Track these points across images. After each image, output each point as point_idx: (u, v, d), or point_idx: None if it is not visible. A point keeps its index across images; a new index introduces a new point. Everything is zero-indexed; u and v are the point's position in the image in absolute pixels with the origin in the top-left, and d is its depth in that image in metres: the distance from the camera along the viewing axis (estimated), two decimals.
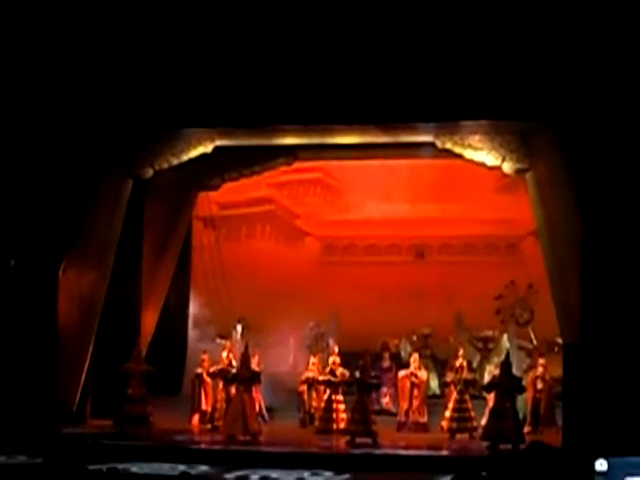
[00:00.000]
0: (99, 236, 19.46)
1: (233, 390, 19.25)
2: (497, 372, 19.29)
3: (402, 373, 20.61)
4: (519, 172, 18.42)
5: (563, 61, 16.49)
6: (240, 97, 17.67)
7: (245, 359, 18.88)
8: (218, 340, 22.95)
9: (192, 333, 23.94)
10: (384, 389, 21.92)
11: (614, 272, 16.06)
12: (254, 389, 19.81)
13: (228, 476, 15.15)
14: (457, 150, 18.42)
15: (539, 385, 20.02)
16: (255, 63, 17.56)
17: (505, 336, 22.20)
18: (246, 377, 18.65)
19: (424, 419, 20.21)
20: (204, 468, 15.67)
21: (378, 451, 17.40)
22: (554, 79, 16.57)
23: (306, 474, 15.21)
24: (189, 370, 21.70)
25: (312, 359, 21.07)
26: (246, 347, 19.08)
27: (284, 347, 21.06)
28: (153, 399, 19.28)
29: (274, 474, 15.15)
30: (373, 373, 19.82)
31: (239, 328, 23.24)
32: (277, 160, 21.97)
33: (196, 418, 21.05)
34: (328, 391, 19.74)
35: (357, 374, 18.63)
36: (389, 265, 25.13)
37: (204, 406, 20.97)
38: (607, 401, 15.72)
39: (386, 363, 22.25)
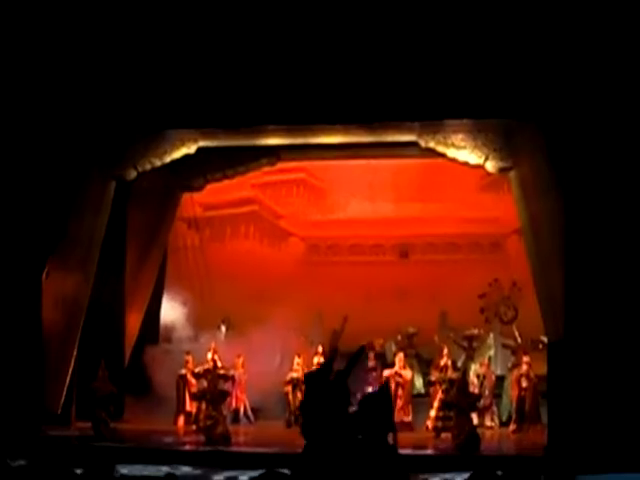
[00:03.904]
0: (82, 238, 19.41)
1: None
2: (481, 370, 19.38)
3: (387, 373, 20.64)
4: (502, 171, 18.45)
5: (546, 60, 16.51)
6: (223, 98, 17.64)
7: (214, 377, 19.05)
8: (223, 328, 23.07)
9: (174, 334, 23.86)
10: (369, 389, 21.92)
11: (598, 270, 16.09)
12: (239, 390, 19.84)
13: (216, 477, 15.14)
14: (440, 149, 18.43)
15: (524, 383, 20.08)
16: (238, 64, 17.54)
17: (491, 335, 22.26)
18: (216, 395, 18.73)
19: (409, 418, 20.27)
20: (188, 469, 15.64)
21: None
22: (537, 78, 16.60)
23: None
24: (165, 370, 21.61)
25: (297, 359, 21.07)
26: (214, 365, 19.33)
27: (268, 347, 21.02)
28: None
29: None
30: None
31: (223, 328, 23.23)
32: (260, 161, 21.98)
33: (181, 419, 21.06)
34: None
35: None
36: (373, 265, 25.14)
37: (188, 407, 20.98)
38: (592, 398, 15.75)
39: (371, 363, 22.24)
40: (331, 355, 13.16)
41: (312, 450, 9.21)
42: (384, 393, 9.02)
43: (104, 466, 8.62)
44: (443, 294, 23.05)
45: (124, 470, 15.12)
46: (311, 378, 11.23)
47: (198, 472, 15.61)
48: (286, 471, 7.68)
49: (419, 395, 21.75)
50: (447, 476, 15.27)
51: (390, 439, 8.40)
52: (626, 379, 15.73)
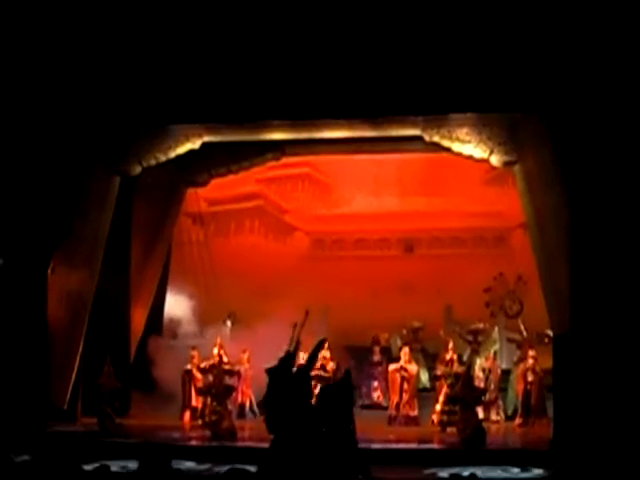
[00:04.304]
0: (87, 234, 19.41)
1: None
2: (486, 364, 19.37)
3: (392, 367, 20.64)
4: (507, 164, 18.42)
5: (550, 53, 16.48)
6: (227, 93, 17.62)
7: (220, 373, 19.07)
8: (228, 323, 23.08)
9: (180, 330, 23.87)
10: (375, 383, 21.97)
11: (603, 263, 16.08)
12: (244, 385, 19.86)
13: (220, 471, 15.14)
14: (445, 143, 18.41)
15: (530, 377, 20.08)
16: (242, 59, 17.51)
17: (497, 329, 22.25)
18: (221, 390, 18.75)
19: (415, 413, 20.26)
20: (193, 464, 15.64)
21: (369, 445, 17.40)
22: (542, 71, 16.56)
23: None
24: (170, 366, 21.62)
25: (302, 354, 21.05)
26: (220, 360, 19.32)
27: (274, 342, 20.99)
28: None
29: None
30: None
31: (229, 323, 23.24)
32: (265, 155, 21.96)
33: (187, 415, 21.08)
34: (319, 386, 19.72)
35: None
36: (378, 259, 25.14)
37: (194, 402, 21.00)
38: (598, 392, 15.74)
39: (376, 357, 22.27)
40: (294, 349, 13.22)
41: (278, 444, 9.23)
42: (346, 384, 9.05)
43: (160, 460, 8.61)
44: (448, 288, 23.02)
45: (132, 465, 15.19)
46: (273, 372, 11.26)
47: (204, 467, 15.61)
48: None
49: (425, 389, 21.73)
50: (453, 470, 15.26)
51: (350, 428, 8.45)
52: (632, 372, 15.72)
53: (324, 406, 8.42)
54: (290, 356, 11.57)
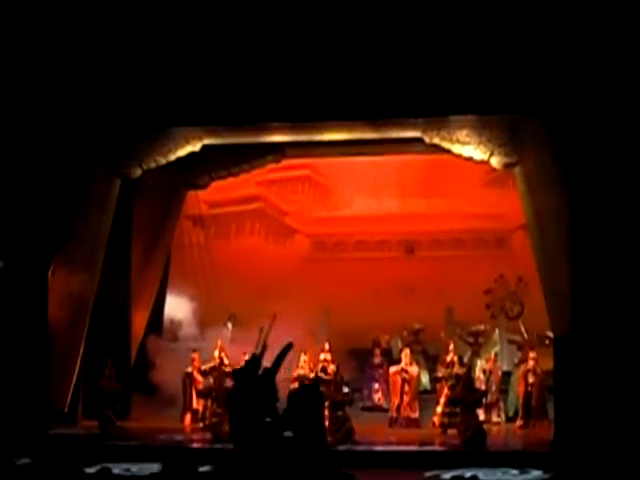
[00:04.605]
0: (88, 236, 19.42)
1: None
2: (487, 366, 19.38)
3: (393, 369, 20.64)
4: (507, 166, 18.43)
5: (550, 55, 16.49)
6: (227, 95, 17.63)
7: (220, 375, 19.08)
8: (229, 325, 23.09)
9: (180, 332, 23.87)
10: (375, 385, 21.96)
11: (604, 265, 16.08)
12: None
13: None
14: (445, 145, 18.41)
15: (530, 379, 20.06)
16: (242, 61, 17.52)
17: (497, 331, 22.26)
18: (221, 392, 18.76)
19: (416, 415, 20.25)
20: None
21: (371, 447, 17.41)
22: (541, 73, 16.57)
23: None
24: (171, 368, 21.61)
25: (303, 356, 21.06)
26: (221, 363, 19.33)
27: (275, 344, 20.98)
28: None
29: None
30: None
31: (229, 326, 23.24)
32: (265, 158, 21.97)
33: (188, 417, 21.07)
34: (320, 388, 19.71)
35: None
36: (379, 261, 25.13)
37: (195, 405, 20.99)
38: (598, 393, 15.74)
39: (377, 359, 22.26)
40: (260, 352, 13.24)
41: (240, 448, 9.23)
42: (314, 389, 9.06)
43: (186, 464, 8.60)
44: (449, 290, 23.02)
45: (134, 468, 15.21)
46: (238, 375, 11.29)
47: (205, 469, 15.58)
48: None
49: (425, 391, 21.72)
50: (455, 472, 15.26)
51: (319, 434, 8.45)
52: (632, 374, 15.72)
53: (291, 410, 8.43)
54: (256, 359, 11.59)
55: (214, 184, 22.91)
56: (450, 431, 18.84)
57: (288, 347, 11.47)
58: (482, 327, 22.10)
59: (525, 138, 17.81)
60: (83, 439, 18.12)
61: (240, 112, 17.75)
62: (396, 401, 20.29)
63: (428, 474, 15.31)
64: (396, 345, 22.89)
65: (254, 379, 10.53)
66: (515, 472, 15.41)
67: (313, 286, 23.15)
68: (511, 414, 20.91)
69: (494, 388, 20.80)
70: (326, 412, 18.87)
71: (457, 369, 19.78)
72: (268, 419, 9.47)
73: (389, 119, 18.10)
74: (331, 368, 19.64)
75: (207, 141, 19.22)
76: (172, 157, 19.27)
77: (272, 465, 8.28)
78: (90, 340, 19.85)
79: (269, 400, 10.03)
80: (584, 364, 16.02)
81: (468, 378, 18.73)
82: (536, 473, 15.34)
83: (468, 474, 14.68)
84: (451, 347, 20.57)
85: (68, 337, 19.32)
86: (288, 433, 8.42)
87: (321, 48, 17.16)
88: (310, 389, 8.86)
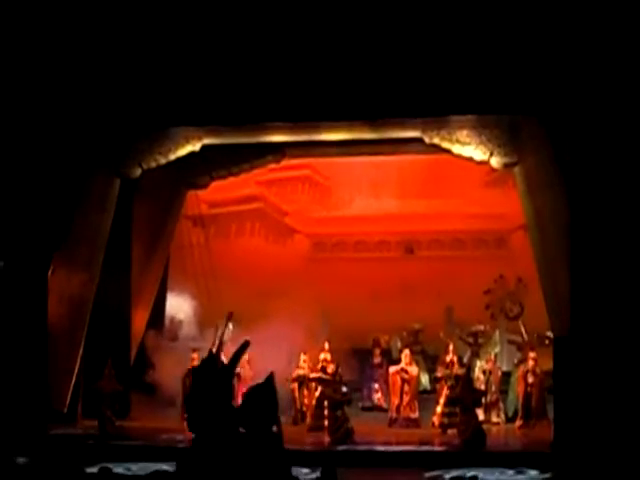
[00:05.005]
0: (88, 236, 19.42)
1: None
2: (487, 366, 19.36)
3: (393, 369, 20.63)
4: (507, 166, 18.43)
5: (550, 55, 16.50)
6: (227, 95, 17.65)
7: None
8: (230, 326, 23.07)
9: (180, 332, 23.87)
10: (375, 385, 21.97)
11: (603, 265, 16.09)
12: (244, 387, 19.78)
13: None
14: (445, 145, 18.42)
15: (530, 379, 20.06)
16: (241, 61, 17.54)
17: (497, 331, 22.26)
18: None
19: (415, 415, 20.24)
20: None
21: (370, 447, 17.42)
22: (541, 73, 16.58)
23: (305, 470, 15.18)
24: (171, 368, 21.61)
25: (303, 356, 21.07)
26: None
27: (275, 345, 21.00)
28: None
29: None
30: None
31: (230, 326, 23.21)
32: (265, 158, 21.98)
33: None
34: (319, 388, 19.74)
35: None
36: (378, 261, 25.12)
37: None
38: (598, 394, 15.75)
39: (377, 359, 22.26)
40: (217, 349, 13.27)
41: (198, 444, 9.25)
42: (269, 386, 9.10)
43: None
44: (448, 290, 23.03)
45: (135, 467, 15.21)
46: (196, 372, 11.34)
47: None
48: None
49: (425, 391, 21.72)
50: (455, 472, 15.28)
51: (275, 431, 8.49)
52: (632, 374, 15.72)
53: (246, 407, 8.50)
54: (212, 357, 11.63)
55: (214, 184, 22.91)
56: (450, 431, 18.84)
57: (245, 345, 11.53)
58: (482, 327, 22.08)
59: (525, 138, 17.82)
60: (83, 439, 18.11)
61: (240, 112, 17.76)
62: (396, 401, 20.28)
63: (428, 474, 15.31)
64: (396, 345, 22.89)
65: (211, 377, 10.56)
66: (514, 472, 15.42)
67: (313, 286, 23.14)
68: (511, 414, 20.90)
69: (494, 388, 20.79)
70: (325, 412, 18.93)
71: (457, 369, 19.78)
72: (225, 416, 9.52)
73: (389, 119, 18.11)
74: (331, 368, 19.63)
75: (207, 141, 19.23)
76: (172, 157, 19.28)
77: (228, 461, 8.34)
78: (90, 340, 19.85)
79: (225, 397, 10.08)
80: (584, 364, 16.02)
81: (467, 378, 18.74)
82: (535, 473, 15.35)
83: (468, 474, 14.76)
84: (451, 347, 20.56)
85: (68, 337, 19.33)
86: (244, 429, 8.51)
87: (321, 48, 17.17)
88: (264, 387, 8.94)
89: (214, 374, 10.54)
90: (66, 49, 17.85)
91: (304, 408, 20.72)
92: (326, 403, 19.10)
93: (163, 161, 19.33)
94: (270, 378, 10.32)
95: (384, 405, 21.55)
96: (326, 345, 20.96)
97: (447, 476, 15.20)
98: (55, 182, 18.50)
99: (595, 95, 16.20)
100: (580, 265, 16.27)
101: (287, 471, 8.24)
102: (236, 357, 11.06)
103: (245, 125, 18.54)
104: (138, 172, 19.48)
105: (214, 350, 13.16)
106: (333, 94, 17.29)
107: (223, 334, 14.09)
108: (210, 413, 9.57)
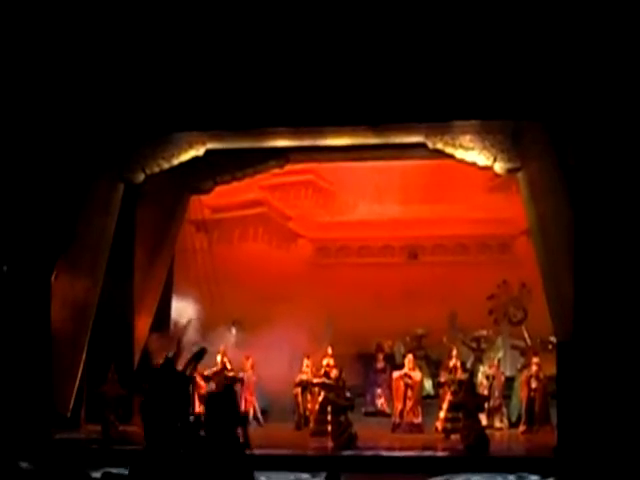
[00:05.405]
0: (91, 241, 19.44)
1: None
2: (490, 371, 19.35)
3: (396, 374, 20.63)
4: (511, 171, 18.44)
5: (553, 60, 16.49)
6: (231, 100, 17.65)
7: (223, 380, 19.17)
8: (233, 330, 23.08)
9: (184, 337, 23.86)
10: (378, 390, 21.97)
11: (607, 270, 16.07)
12: (248, 392, 19.86)
13: None
14: (448, 150, 18.43)
15: (533, 384, 20.06)
16: (245, 66, 17.54)
17: (500, 336, 22.26)
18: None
19: (419, 420, 20.24)
20: None
21: (373, 452, 17.41)
22: (545, 78, 16.58)
23: (305, 476, 15.19)
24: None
25: (306, 361, 21.07)
26: (223, 368, 19.41)
27: (278, 349, 21.01)
28: None
29: (272, 476, 15.11)
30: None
31: (233, 331, 23.23)
32: (269, 163, 21.97)
33: None
34: (322, 393, 19.74)
35: None
36: (382, 266, 25.10)
37: (198, 409, 20.98)
38: (601, 399, 15.72)
39: (380, 364, 22.27)
40: (173, 355, 13.27)
41: (152, 448, 9.29)
42: (229, 392, 9.14)
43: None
44: (452, 295, 23.01)
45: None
46: (152, 377, 11.38)
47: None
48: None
49: (428, 396, 21.72)
50: (457, 478, 15.29)
51: (240, 435, 8.52)
52: (636, 379, 15.70)
53: (207, 412, 8.56)
54: (169, 362, 11.64)
55: (217, 189, 22.90)
56: (453, 436, 18.83)
57: (201, 352, 11.59)
58: (485, 332, 22.08)
59: (528, 143, 17.83)
60: (86, 443, 18.11)
61: (244, 117, 17.76)
62: (399, 406, 20.28)
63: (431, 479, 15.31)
64: (399, 350, 22.88)
65: (167, 382, 10.60)
66: (517, 477, 15.41)
67: (316, 291, 23.16)
68: (514, 419, 20.89)
69: (497, 393, 20.79)
70: (329, 417, 18.93)
71: (460, 374, 19.80)
72: (180, 420, 9.55)
73: (392, 124, 18.12)
74: (334, 373, 19.63)
75: (210, 146, 19.24)
76: (175, 162, 19.30)
77: (185, 465, 8.36)
78: (93, 344, 19.85)
79: (181, 402, 10.12)
80: (587, 369, 16.00)
81: (471, 383, 18.75)
82: (539, 479, 15.34)
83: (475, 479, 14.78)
84: (454, 352, 20.57)
85: (71, 341, 19.33)
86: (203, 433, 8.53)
87: (324, 53, 17.17)
88: (224, 392, 8.97)
89: (170, 379, 10.56)
90: (70, 54, 17.85)
91: (307, 413, 20.73)
92: (329, 408, 19.09)
93: (166, 166, 19.35)
94: (230, 385, 10.33)
95: (387, 410, 21.55)
96: (329, 350, 20.96)
97: None
98: (59, 187, 18.52)
99: (599, 100, 16.19)
100: (583, 270, 16.25)
101: (249, 475, 8.26)
102: (190, 363, 11.10)
103: (249, 130, 18.55)
104: (142, 177, 19.50)
105: (170, 355, 13.15)
106: (337, 99, 17.29)
107: (181, 340, 14.09)
108: (165, 417, 9.60)
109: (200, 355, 11.35)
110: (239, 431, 8.65)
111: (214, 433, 8.39)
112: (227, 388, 10.53)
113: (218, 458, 8.16)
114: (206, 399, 8.73)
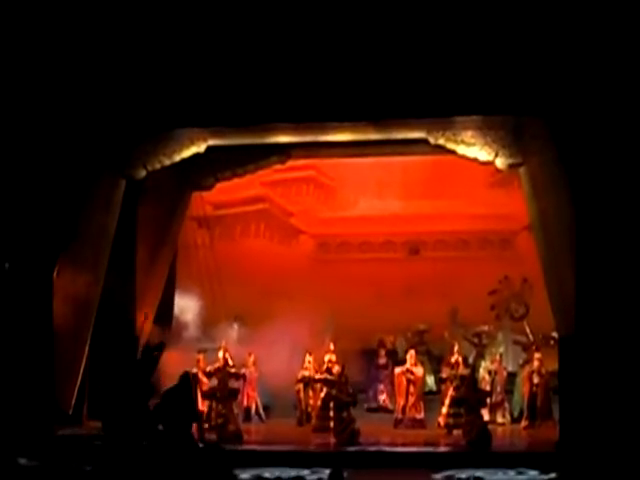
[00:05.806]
0: (93, 237, 19.43)
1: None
2: (492, 366, 19.36)
3: (398, 370, 20.63)
4: (512, 167, 18.43)
5: (555, 56, 16.49)
6: (232, 96, 17.65)
7: (225, 376, 19.15)
8: (235, 326, 23.09)
9: (186, 333, 23.88)
10: (381, 386, 21.97)
11: (608, 265, 16.07)
12: (250, 388, 19.87)
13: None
14: (450, 146, 18.42)
15: (535, 379, 20.07)
16: (246, 62, 17.53)
17: (502, 332, 22.27)
18: (225, 393, 18.87)
19: (421, 415, 20.24)
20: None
21: (376, 448, 17.42)
22: (546, 74, 16.57)
23: (306, 472, 15.20)
24: (176, 369, 21.57)
25: (308, 357, 21.07)
26: (225, 364, 19.38)
27: (280, 345, 21.03)
28: None
29: (274, 472, 15.11)
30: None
31: (235, 327, 23.24)
32: (270, 159, 21.94)
33: None
34: (325, 389, 19.75)
35: None
36: (384, 262, 25.13)
37: (200, 406, 20.98)
38: (603, 394, 15.73)
39: (382, 360, 22.28)
40: (144, 351, 13.29)
41: (113, 443, 9.31)
42: (184, 385, 9.16)
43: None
44: (453, 291, 23.04)
45: None
46: (118, 374, 11.44)
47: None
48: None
49: (430, 392, 21.73)
50: (460, 473, 15.29)
51: (195, 430, 8.56)
52: (638, 374, 15.71)
53: (163, 406, 8.56)
54: (142, 358, 11.74)
55: (219, 185, 22.87)
56: (455, 432, 18.84)
57: (160, 346, 11.64)
58: (487, 328, 22.12)
59: (530, 139, 17.81)
60: (88, 440, 18.11)
61: (245, 113, 17.76)
62: (401, 402, 20.28)
63: (434, 475, 15.30)
64: (401, 346, 22.90)
65: (130, 378, 10.64)
66: (519, 472, 15.42)
67: (318, 287, 23.18)
68: (516, 415, 20.91)
69: (499, 389, 20.82)
70: (331, 413, 18.94)
71: (462, 370, 19.80)
72: (139, 415, 9.57)
73: (394, 120, 18.11)
74: (336, 369, 19.66)
75: (212, 142, 19.23)
76: (177, 158, 19.29)
77: (144, 457, 8.37)
78: (95, 341, 19.85)
79: (142, 396, 10.12)
80: (589, 364, 16.01)
81: (473, 379, 18.76)
82: (540, 474, 15.34)
83: (473, 475, 14.76)
84: (456, 348, 20.57)
85: (73, 338, 19.32)
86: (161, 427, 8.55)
87: (325, 49, 17.17)
88: (181, 384, 8.99)
89: (129, 375, 10.61)
90: (72, 52, 17.86)
91: (309, 409, 20.73)
92: (332, 404, 19.11)
93: (168, 162, 19.34)
94: (185, 377, 10.32)
95: (389, 406, 21.57)
96: (331, 346, 20.98)
97: (453, 476, 15.22)
98: (60, 183, 18.51)
99: (600, 96, 16.19)
100: (585, 265, 16.26)
101: (229, 471, 8.27)
102: (148, 356, 11.14)
103: (250, 126, 18.53)
104: (143, 173, 19.49)
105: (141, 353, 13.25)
106: (338, 95, 17.29)
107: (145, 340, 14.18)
108: (124, 412, 9.61)
109: (160, 349, 11.39)
110: (194, 426, 8.72)
111: (169, 428, 8.42)
112: (182, 380, 10.51)
113: (173, 453, 8.20)
114: (162, 394, 8.73)
